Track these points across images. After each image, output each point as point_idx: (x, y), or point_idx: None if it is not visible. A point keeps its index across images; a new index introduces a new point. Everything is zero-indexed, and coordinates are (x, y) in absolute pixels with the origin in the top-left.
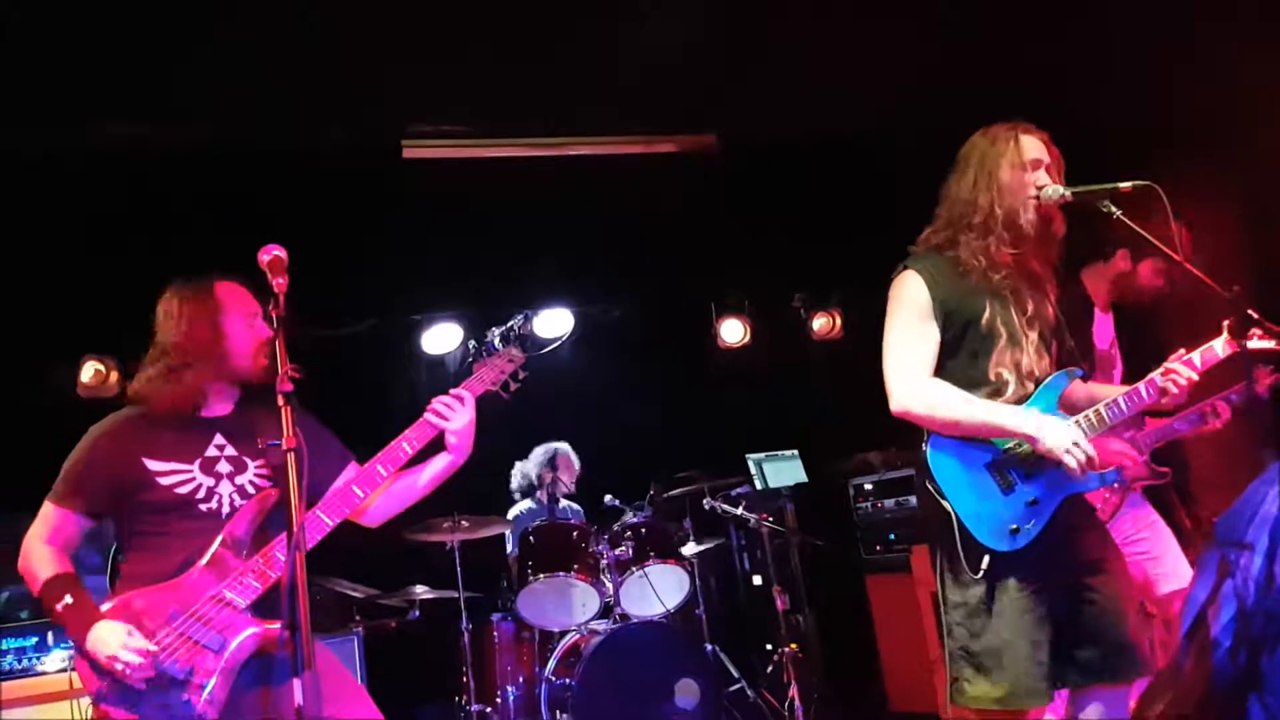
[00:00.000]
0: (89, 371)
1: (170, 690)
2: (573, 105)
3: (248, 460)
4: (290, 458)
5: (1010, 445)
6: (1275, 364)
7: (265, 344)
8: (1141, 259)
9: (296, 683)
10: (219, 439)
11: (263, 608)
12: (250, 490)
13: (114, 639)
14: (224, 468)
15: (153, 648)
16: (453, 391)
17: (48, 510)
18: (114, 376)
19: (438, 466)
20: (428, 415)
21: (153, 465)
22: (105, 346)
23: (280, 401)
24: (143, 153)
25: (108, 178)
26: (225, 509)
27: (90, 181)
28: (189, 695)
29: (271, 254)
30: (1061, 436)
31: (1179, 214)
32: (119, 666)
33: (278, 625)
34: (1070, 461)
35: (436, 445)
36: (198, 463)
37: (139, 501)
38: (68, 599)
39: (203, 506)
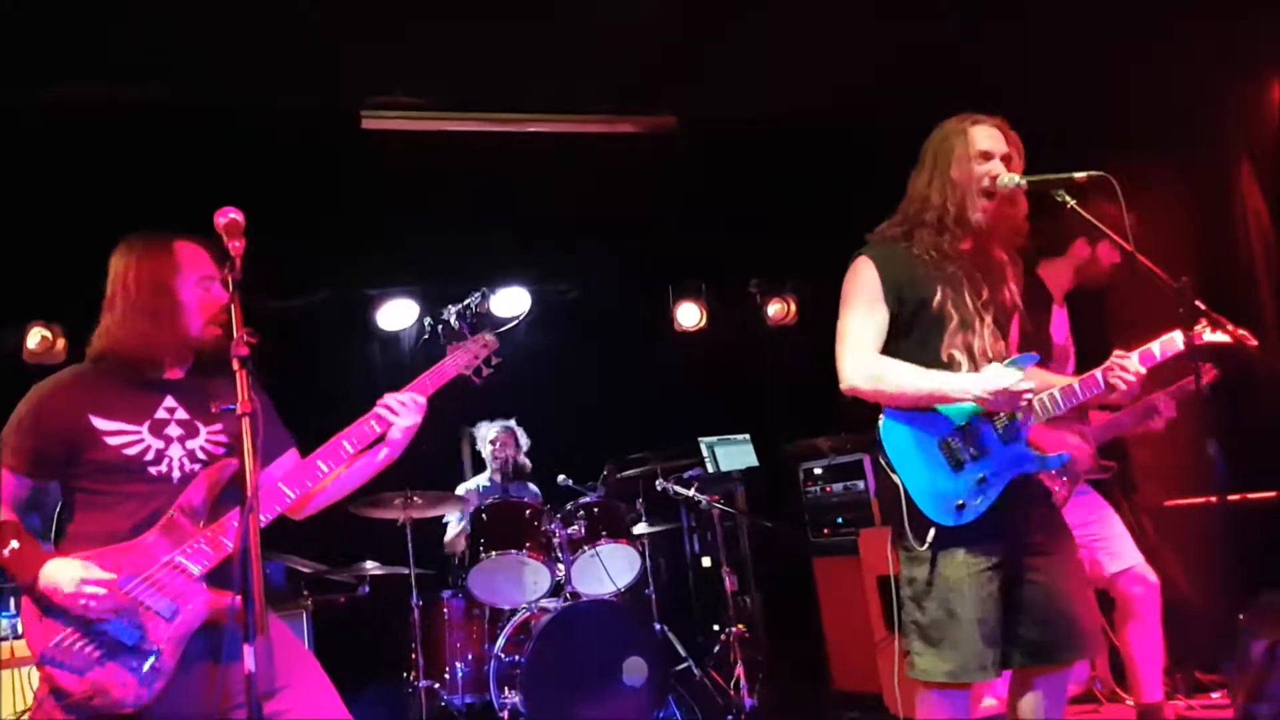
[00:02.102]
0: (35, 338)
1: (119, 655)
2: (533, 82)
3: (199, 425)
4: (245, 422)
5: (963, 423)
6: (1217, 360)
7: (218, 312)
8: (1098, 240)
9: (248, 649)
10: (169, 401)
11: (216, 578)
12: (201, 456)
13: (70, 573)
14: (174, 431)
15: (112, 576)
16: (406, 391)
17: None
18: (60, 343)
19: (376, 458)
20: (379, 409)
21: (100, 424)
22: (52, 313)
23: (236, 366)
24: (94, 116)
25: (56, 140)
26: (176, 473)
27: (39, 144)
28: (137, 661)
29: (228, 216)
30: (987, 377)
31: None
32: (81, 601)
33: (230, 595)
34: (985, 396)
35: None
36: (146, 424)
37: (85, 461)
38: (13, 544)
39: (152, 470)
